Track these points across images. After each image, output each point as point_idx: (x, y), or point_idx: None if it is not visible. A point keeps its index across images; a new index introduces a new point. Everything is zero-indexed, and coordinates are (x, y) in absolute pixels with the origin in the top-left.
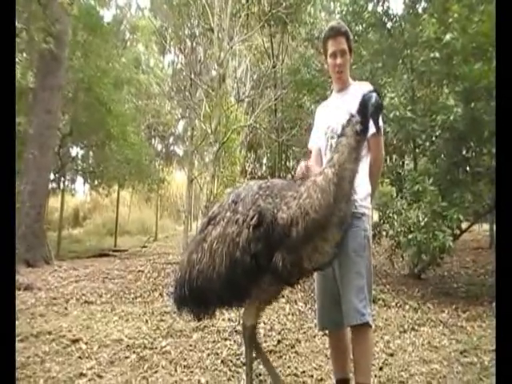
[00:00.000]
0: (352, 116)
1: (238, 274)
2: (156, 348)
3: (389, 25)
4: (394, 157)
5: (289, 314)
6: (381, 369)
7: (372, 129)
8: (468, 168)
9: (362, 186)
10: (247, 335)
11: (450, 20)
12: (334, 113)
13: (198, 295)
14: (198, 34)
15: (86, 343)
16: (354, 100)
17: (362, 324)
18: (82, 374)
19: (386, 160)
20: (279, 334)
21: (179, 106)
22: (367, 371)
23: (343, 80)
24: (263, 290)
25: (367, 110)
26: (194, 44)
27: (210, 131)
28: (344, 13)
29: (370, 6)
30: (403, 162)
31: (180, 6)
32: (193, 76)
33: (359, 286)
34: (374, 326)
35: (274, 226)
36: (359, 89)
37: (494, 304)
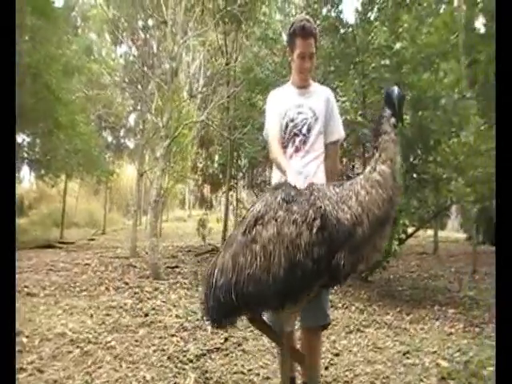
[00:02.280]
0: (383, 111)
1: (298, 277)
2: (101, 343)
3: (342, 30)
4: (345, 160)
5: None
6: (326, 368)
7: (336, 135)
8: (415, 175)
9: None
10: (286, 342)
11: (400, 30)
12: (297, 110)
13: (247, 301)
14: (151, 26)
15: (28, 336)
16: (317, 99)
17: (322, 325)
18: (22, 369)
19: None
20: (227, 331)
21: (131, 97)
22: (318, 371)
23: (306, 79)
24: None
25: (394, 103)
26: (148, 36)
27: (161, 125)
28: (298, 14)
29: (324, 11)
30: (353, 166)
31: None
32: (145, 68)
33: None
34: None
35: (338, 228)
36: (320, 89)
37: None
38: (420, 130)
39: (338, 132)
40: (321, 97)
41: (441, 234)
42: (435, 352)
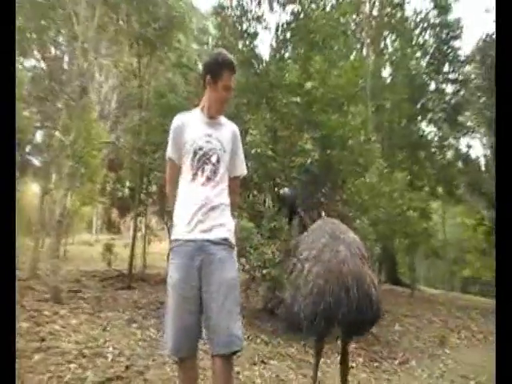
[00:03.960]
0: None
1: None
2: None
3: (256, 64)
4: (255, 192)
5: (140, 339)
6: None
7: (239, 171)
8: (323, 213)
9: (231, 219)
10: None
11: (312, 70)
12: (206, 139)
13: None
14: (62, 40)
15: None
16: (225, 132)
17: (236, 351)
18: None
19: (248, 196)
20: (128, 359)
21: (38, 113)
22: None
23: (223, 110)
24: None
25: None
26: (58, 51)
27: (67, 143)
28: (214, 45)
29: (240, 44)
30: (265, 200)
31: (45, 9)
32: (54, 84)
33: (238, 313)
34: None
35: None
36: (228, 124)
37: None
38: (328, 168)
39: (241, 168)
40: (228, 131)
41: None
42: None
